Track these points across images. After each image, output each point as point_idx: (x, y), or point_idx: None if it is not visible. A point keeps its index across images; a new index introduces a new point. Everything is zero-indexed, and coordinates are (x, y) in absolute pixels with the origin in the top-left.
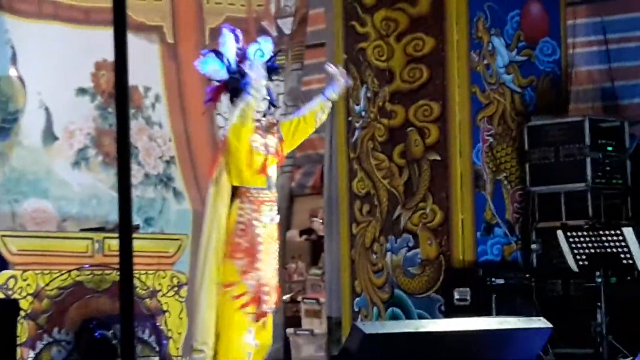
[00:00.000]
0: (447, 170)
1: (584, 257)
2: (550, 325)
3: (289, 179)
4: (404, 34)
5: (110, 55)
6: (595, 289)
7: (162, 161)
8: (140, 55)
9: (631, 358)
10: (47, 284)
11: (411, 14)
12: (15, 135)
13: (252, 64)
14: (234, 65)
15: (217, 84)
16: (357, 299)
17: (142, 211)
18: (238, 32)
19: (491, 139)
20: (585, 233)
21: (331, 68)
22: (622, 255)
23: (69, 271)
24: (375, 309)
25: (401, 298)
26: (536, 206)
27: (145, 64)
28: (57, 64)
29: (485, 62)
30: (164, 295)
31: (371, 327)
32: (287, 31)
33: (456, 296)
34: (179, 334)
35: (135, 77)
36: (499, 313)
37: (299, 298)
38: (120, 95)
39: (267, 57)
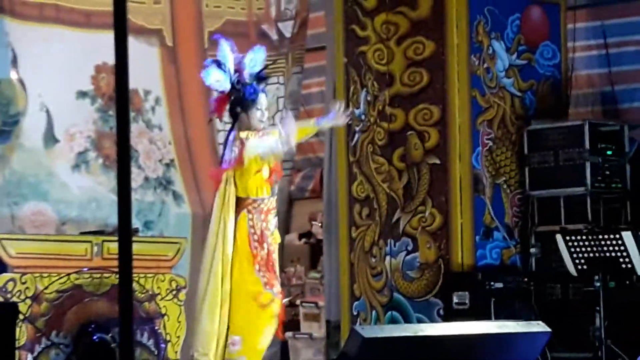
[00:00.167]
0: (446, 174)
1: (583, 261)
2: (549, 330)
3: (288, 182)
4: (404, 38)
5: (110, 59)
6: (594, 293)
7: (162, 164)
8: (140, 59)
9: None
10: (46, 287)
11: (411, 17)
12: (16, 138)
13: (251, 74)
14: (234, 76)
15: (219, 94)
16: (356, 302)
17: (142, 214)
18: (227, 42)
19: (491, 143)
20: (584, 237)
21: (338, 105)
22: (621, 260)
23: (68, 274)
24: (374, 312)
25: (400, 302)
26: (535, 210)
27: (146, 67)
28: (58, 66)
29: (485, 65)
30: (162, 298)
31: (370, 331)
32: (288, 34)
33: (455, 300)
34: (178, 337)
35: (135, 80)
36: (497, 317)
37: (298, 302)
38: (120, 98)
39: (259, 67)
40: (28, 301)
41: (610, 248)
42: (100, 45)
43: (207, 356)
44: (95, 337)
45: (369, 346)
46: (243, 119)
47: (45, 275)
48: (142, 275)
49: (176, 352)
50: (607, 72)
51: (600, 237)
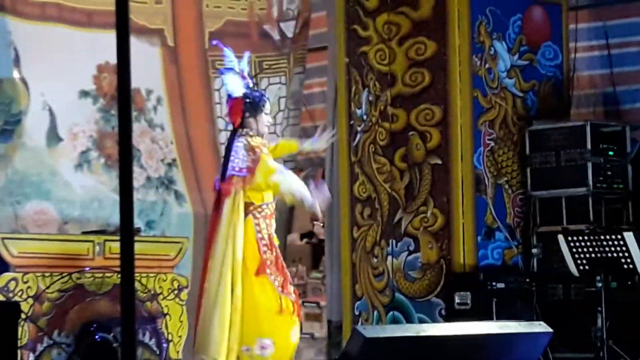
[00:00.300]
0: (448, 174)
1: (584, 261)
2: (551, 330)
3: None
4: (406, 38)
5: (112, 58)
6: (596, 294)
7: (164, 164)
8: (142, 58)
9: None
10: (48, 287)
11: (413, 18)
12: (18, 137)
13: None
14: (243, 81)
15: (233, 99)
16: (357, 302)
17: (144, 214)
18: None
19: (492, 143)
20: (586, 238)
21: (319, 131)
22: (623, 260)
23: (70, 274)
24: (375, 312)
25: (402, 302)
26: (537, 210)
27: (147, 67)
28: (60, 66)
29: (487, 66)
30: (164, 298)
31: (372, 331)
32: (290, 34)
33: (457, 300)
34: (180, 337)
35: (137, 80)
36: (499, 317)
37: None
38: (122, 98)
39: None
40: (30, 300)
41: (612, 248)
42: (102, 45)
43: None
44: (97, 337)
45: (370, 346)
46: (250, 124)
47: (47, 274)
48: (144, 274)
49: (178, 352)
50: (608, 72)
51: (602, 237)
